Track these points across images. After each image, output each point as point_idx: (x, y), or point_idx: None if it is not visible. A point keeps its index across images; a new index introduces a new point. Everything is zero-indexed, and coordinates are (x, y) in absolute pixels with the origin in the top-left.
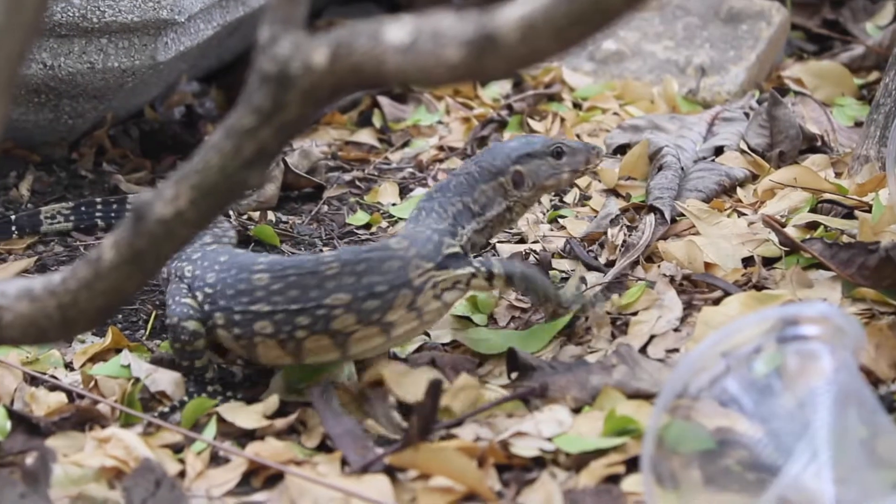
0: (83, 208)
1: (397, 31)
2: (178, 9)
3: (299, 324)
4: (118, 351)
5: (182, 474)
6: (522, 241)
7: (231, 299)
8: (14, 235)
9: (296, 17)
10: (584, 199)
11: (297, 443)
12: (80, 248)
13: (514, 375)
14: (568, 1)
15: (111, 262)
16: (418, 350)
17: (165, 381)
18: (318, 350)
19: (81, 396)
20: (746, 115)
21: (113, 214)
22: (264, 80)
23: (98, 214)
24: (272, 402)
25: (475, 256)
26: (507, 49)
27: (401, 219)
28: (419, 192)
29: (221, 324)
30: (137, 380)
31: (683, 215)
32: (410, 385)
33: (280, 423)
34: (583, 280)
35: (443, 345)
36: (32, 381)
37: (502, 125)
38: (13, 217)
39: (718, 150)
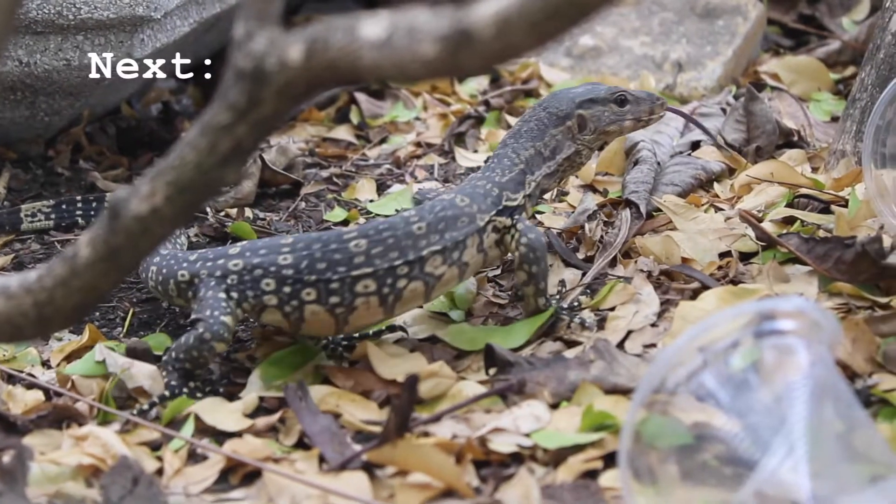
0: (64, 206)
1: (373, 26)
2: (154, 5)
3: (400, 273)
4: None
5: (160, 472)
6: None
7: (325, 271)
8: None
9: (271, 13)
10: (562, 194)
11: (275, 440)
12: (56, 245)
13: (491, 371)
14: None
15: (87, 259)
16: (397, 342)
17: (143, 375)
18: (413, 298)
19: (59, 394)
20: (724, 110)
21: (93, 212)
22: (239, 76)
23: (78, 213)
24: (251, 400)
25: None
26: (482, 45)
27: (378, 215)
28: (396, 188)
29: (313, 298)
30: (113, 375)
31: (660, 210)
32: (394, 364)
33: (260, 422)
34: (562, 283)
35: (420, 340)
36: (9, 379)
37: (479, 121)
38: None
39: (695, 145)
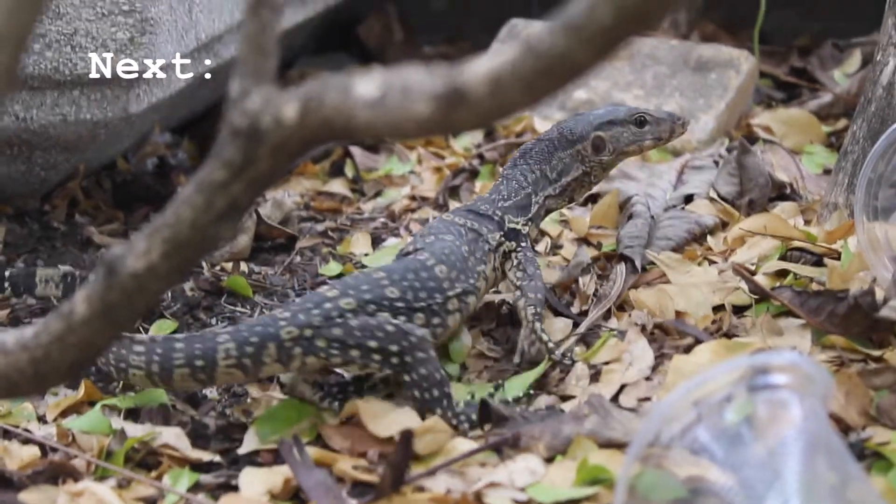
0: (69, 279)
1: (367, 85)
2: (150, 61)
3: (469, 290)
4: (91, 404)
5: None
6: (497, 290)
7: (428, 298)
8: (6, 292)
9: (266, 70)
10: (556, 247)
11: (270, 495)
12: (53, 300)
13: (486, 426)
14: (535, 56)
15: (83, 316)
16: (387, 397)
17: (171, 435)
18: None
19: (54, 450)
20: (716, 162)
21: None
22: (235, 134)
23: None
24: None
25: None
26: (475, 103)
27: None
28: (391, 241)
29: (422, 322)
30: (123, 435)
31: (654, 264)
32: (386, 423)
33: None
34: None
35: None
36: (5, 434)
37: (474, 174)
38: (7, 273)
39: (689, 199)
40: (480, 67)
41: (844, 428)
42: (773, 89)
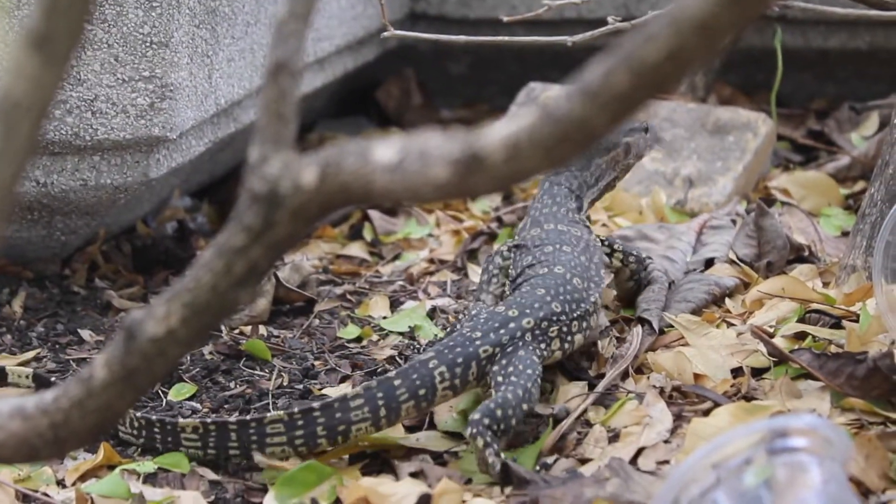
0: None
1: (385, 150)
2: (169, 126)
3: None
4: (111, 468)
5: None
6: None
7: (576, 309)
8: None
9: (285, 136)
10: None
11: None
12: (72, 364)
13: (507, 490)
14: (553, 121)
15: (103, 380)
16: (406, 458)
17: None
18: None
19: None
20: (734, 221)
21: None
22: (254, 199)
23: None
24: None
25: None
26: (493, 168)
27: (391, 332)
28: (409, 304)
29: (577, 329)
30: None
31: (672, 326)
32: (399, 496)
33: None
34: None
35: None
36: (24, 498)
37: (492, 237)
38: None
39: (709, 262)
40: (498, 133)
41: (864, 491)
42: (791, 152)
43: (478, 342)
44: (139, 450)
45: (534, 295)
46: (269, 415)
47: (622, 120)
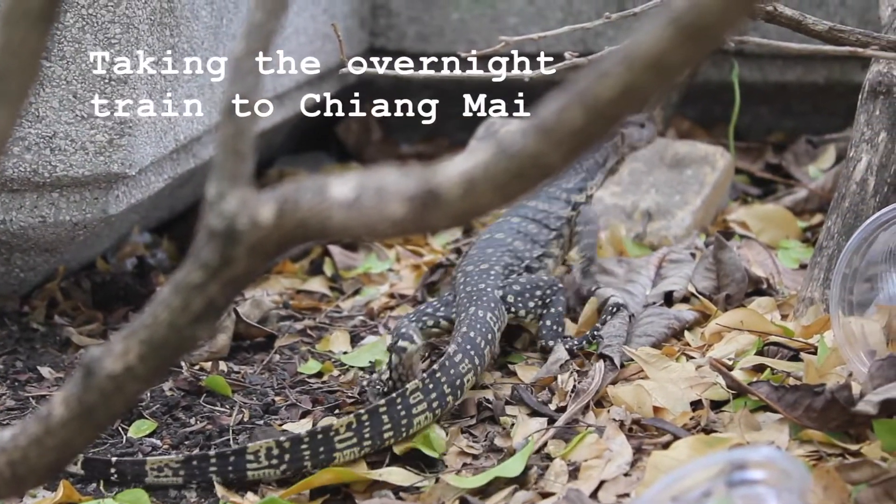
0: (194, 463)
1: (341, 187)
2: (129, 162)
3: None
4: None
5: None
6: (473, 387)
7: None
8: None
9: (242, 172)
10: (533, 343)
11: None
12: (31, 401)
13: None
14: (507, 157)
15: (61, 417)
16: (367, 493)
17: None
18: None
19: None
20: (693, 255)
21: (230, 468)
22: (211, 235)
23: (212, 469)
24: None
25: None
26: (449, 204)
27: (352, 366)
28: (370, 339)
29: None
30: None
31: (633, 360)
32: None
33: None
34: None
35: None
36: None
37: (451, 269)
38: (114, 460)
39: (668, 296)
40: (454, 169)
41: None
42: (749, 185)
43: (485, 315)
44: (98, 486)
45: (497, 247)
46: (336, 422)
47: (577, 155)
